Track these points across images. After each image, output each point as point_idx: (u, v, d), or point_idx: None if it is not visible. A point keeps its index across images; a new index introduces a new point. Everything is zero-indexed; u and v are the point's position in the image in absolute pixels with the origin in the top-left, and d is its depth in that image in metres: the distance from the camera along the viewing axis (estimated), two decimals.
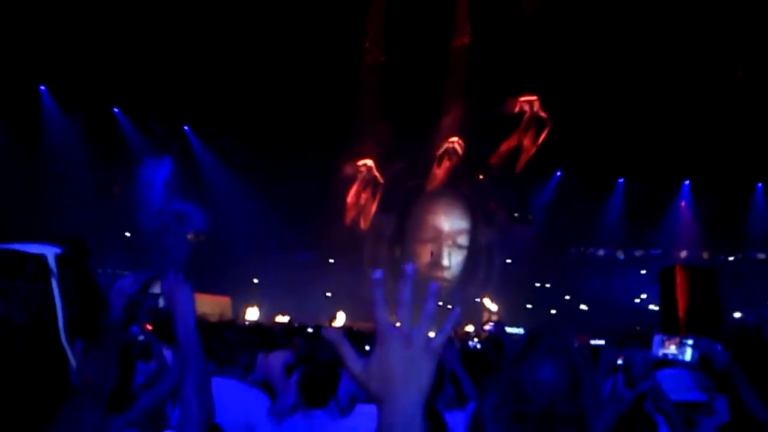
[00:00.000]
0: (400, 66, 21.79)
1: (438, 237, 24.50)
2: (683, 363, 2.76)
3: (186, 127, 21.72)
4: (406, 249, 24.62)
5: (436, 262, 24.24)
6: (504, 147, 23.93)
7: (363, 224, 24.70)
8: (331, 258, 23.73)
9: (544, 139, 23.68)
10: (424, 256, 24.23)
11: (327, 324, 20.84)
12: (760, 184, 21.17)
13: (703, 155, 20.36)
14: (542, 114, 23.59)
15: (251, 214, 20.82)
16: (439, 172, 24.44)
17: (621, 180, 23.61)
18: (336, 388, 3.79)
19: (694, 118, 19.18)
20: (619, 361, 4.34)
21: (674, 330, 10.96)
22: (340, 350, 1.16)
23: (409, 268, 1.21)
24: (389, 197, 24.33)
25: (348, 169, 24.15)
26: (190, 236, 18.32)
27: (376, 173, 24.30)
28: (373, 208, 24.51)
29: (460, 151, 24.15)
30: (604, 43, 19.81)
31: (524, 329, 13.43)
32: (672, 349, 2.79)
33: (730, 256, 22.95)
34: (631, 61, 19.91)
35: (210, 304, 14.36)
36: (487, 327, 16.75)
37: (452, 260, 24.44)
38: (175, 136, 20.52)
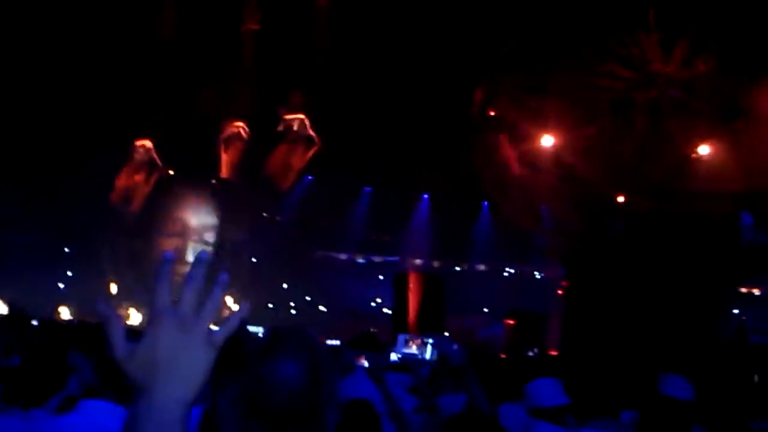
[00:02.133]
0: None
1: (184, 232, 23.91)
2: (424, 361, 3.05)
3: None
4: (149, 242, 23.72)
5: (180, 257, 23.62)
6: (273, 161, 23.93)
7: (134, 207, 23.45)
8: (68, 246, 22.22)
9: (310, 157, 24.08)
10: (168, 250, 23.48)
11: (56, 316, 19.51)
12: (486, 203, 23.29)
13: (441, 172, 22.05)
14: (311, 133, 23.96)
15: None
16: (227, 157, 23.83)
17: (367, 189, 24.72)
18: (63, 384, 3.58)
19: (437, 136, 20.62)
20: (364, 363, 4.64)
21: (404, 329, 11.81)
22: (108, 327, 1.03)
23: (169, 254, 1.10)
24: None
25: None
26: None
27: (155, 155, 23.16)
28: (147, 191, 23.36)
29: (245, 136, 23.76)
30: (370, 52, 20.71)
31: (264, 328, 13.61)
32: (414, 348, 3.07)
33: (457, 266, 25.00)
34: (390, 76, 20.99)
35: None
36: None
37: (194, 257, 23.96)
38: None
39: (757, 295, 22.77)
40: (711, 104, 16.61)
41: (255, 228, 24.34)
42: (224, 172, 23.96)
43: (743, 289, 21.84)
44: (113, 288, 22.56)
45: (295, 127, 23.71)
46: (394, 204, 24.18)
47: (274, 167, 23.93)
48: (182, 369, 0.98)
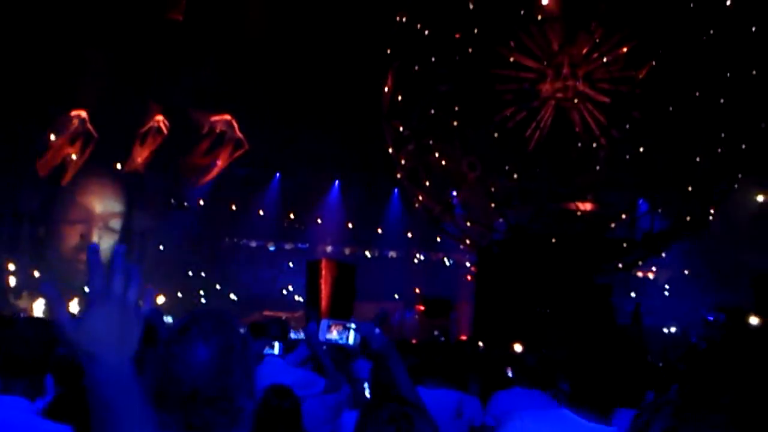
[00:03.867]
0: None
1: (89, 218, 23.13)
2: (347, 346, 3.06)
3: None
4: (52, 229, 22.87)
5: (84, 244, 22.87)
6: (197, 160, 23.51)
7: (64, 180, 22.51)
8: None
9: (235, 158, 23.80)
10: (73, 237, 22.74)
11: None
12: (396, 189, 23.53)
13: (352, 159, 22.13)
14: (239, 135, 23.59)
15: None
16: (141, 152, 23.17)
17: (277, 174, 24.54)
18: None
19: (347, 122, 20.68)
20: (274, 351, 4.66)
21: (316, 316, 11.86)
22: (53, 307, 1.24)
23: (94, 245, 1.32)
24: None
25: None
26: None
27: (90, 126, 22.28)
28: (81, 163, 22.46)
29: (165, 131, 23.13)
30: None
31: (173, 317, 13.40)
32: (335, 334, 3.08)
33: (368, 252, 25.18)
34: (301, 62, 20.92)
35: None
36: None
37: (102, 243, 23.26)
38: None
39: (652, 279, 23.93)
40: (612, 95, 17.31)
41: (163, 215, 23.80)
42: (135, 164, 23.36)
43: (639, 274, 22.93)
44: (12, 279, 21.64)
45: (220, 129, 23.42)
46: (304, 190, 24.12)
47: (192, 164, 23.56)
48: (122, 337, 1.27)
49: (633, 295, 20.58)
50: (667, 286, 23.28)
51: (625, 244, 17.61)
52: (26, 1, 19.27)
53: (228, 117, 23.48)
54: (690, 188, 16.67)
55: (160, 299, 21.50)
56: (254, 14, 22.01)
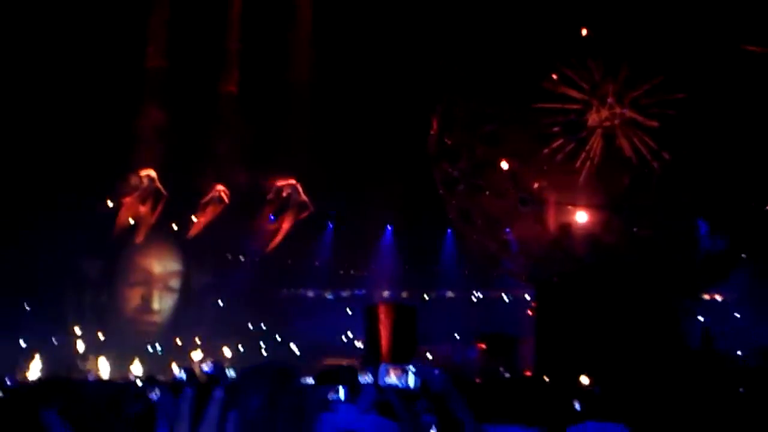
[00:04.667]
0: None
1: (149, 280, 23.60)
2: (407, 389, 3.06)
3: None
4: (114, 293, 23.40)
5: (146, 306, 23.34)
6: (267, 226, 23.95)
7: (140, 238, 23.15)
8: (27, 303, 21.82)
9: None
10: (134, 299, 23.23)
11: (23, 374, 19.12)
12: (449, 230, 23.46)
13: (403, 202, 22.22)
14: (304, 198, 23.99)
15: None
16: (202, 219, 23.72)
17: (330, 224, 24.75)
18: None
19: (395, 167, 20.81)
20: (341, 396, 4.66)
21: (377, 362, 11.82)
22: None
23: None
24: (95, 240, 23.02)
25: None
26: None
27: (159, 185, 23.02)
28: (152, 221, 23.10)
29: (226, 200, 23.65)
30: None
31: (234, 370, 13.50)
32: (394, 378, 3.08)
33: (425, 294, 25.04)
34: (346, 110, 21.27)
35: None
36: (205, 367, 16.53)
37: (163, 304, 23.69)
38: None
39: (720, 302, 23.18)
40: (660, 119, 17.09)
41: (220, 270, 24.15)
42: (195, 231, 23.83)
43: (706, 297, 22.26)
44: (80, 344, 22.15)
45: (286, 193, 23.80)
46: (358, 237, 24.23)
47: (257, 228, 23.91)
48: None
49: (701, 318, 19.96)
50: (735, 310, 22.51)
51: (688, 268, 17.19)
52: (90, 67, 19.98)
53: (293, 181, 23.81)
54: (753, 205, 16.25)
55: (226, 352, 21.78)
56: (300, 65, 22.53)
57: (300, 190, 23.85)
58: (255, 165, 23.10)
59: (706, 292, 21.44)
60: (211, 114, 22.47)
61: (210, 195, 23.56)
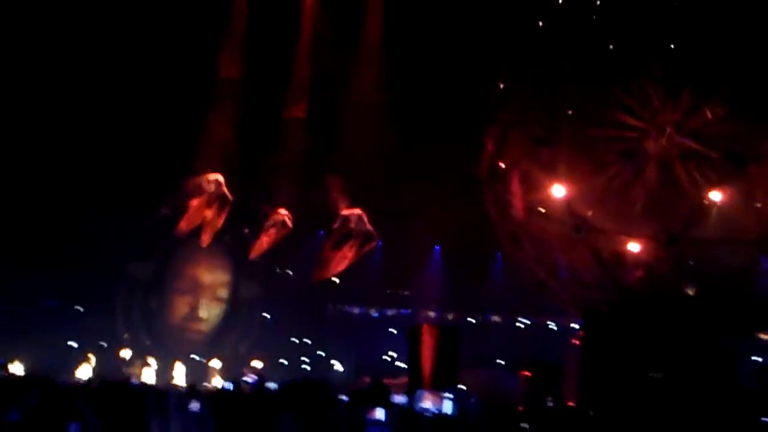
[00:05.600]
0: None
1: (196, 288, 23.84)
2: (443, 416, 2.99)
3: None
4: (163, 299, 23.72)
5: (193, 314, 23.58)
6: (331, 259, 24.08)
7: (205, 241, 23.51)
8: (79, 305, 22.26)
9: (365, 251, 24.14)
10: (182, 307, 23.50)
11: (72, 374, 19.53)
12: (498, 253, 23.23)
13: (452, 224, 22.10)
14: (369, 227, 24.01)
15: None
16: (264, 240, 23.94)
17: (379, 242, 24.74)
18: None
19: (447, 188, 20.71)
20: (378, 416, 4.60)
21: (419, 383, 11.66)
22: None
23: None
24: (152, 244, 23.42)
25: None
26: None
27: (225, 189, 23.36)
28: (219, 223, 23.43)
29: (290, 224, 23.78)
30: None
31: (276, 384, 13.50)
32: (429, 404, 3.01)
33: (471, 317, 24.79)
34: (398, 127, 21.30)
35: None
36: (249, 380, 16.61)
37: (210, 313, 23.90)
38: None
39: None
40: (721, 150, 16.64)
41: (268, 283, 24.29)
42: (257, 253, 24.00)
43: (764, 336, 21.49)
44: (127, 350, 22.50)
45: (354, 224, 23.86)
46: (406, 256, 24.14)
47: (323, 258, 23.98)
48: None
49: (758, 359, 19.26)
50: None
51: (745, 306, 16.61)
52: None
53: (359, 211, 23.82)
54: None
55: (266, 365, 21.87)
56: (364, 86, 22.71)
57: (365, 219, 23.80)
58: (313, 185, 23.23)
59: (764, 332, 20.70)
60: (275, 134, 22.72)
61: (273, 219, 23.68)
